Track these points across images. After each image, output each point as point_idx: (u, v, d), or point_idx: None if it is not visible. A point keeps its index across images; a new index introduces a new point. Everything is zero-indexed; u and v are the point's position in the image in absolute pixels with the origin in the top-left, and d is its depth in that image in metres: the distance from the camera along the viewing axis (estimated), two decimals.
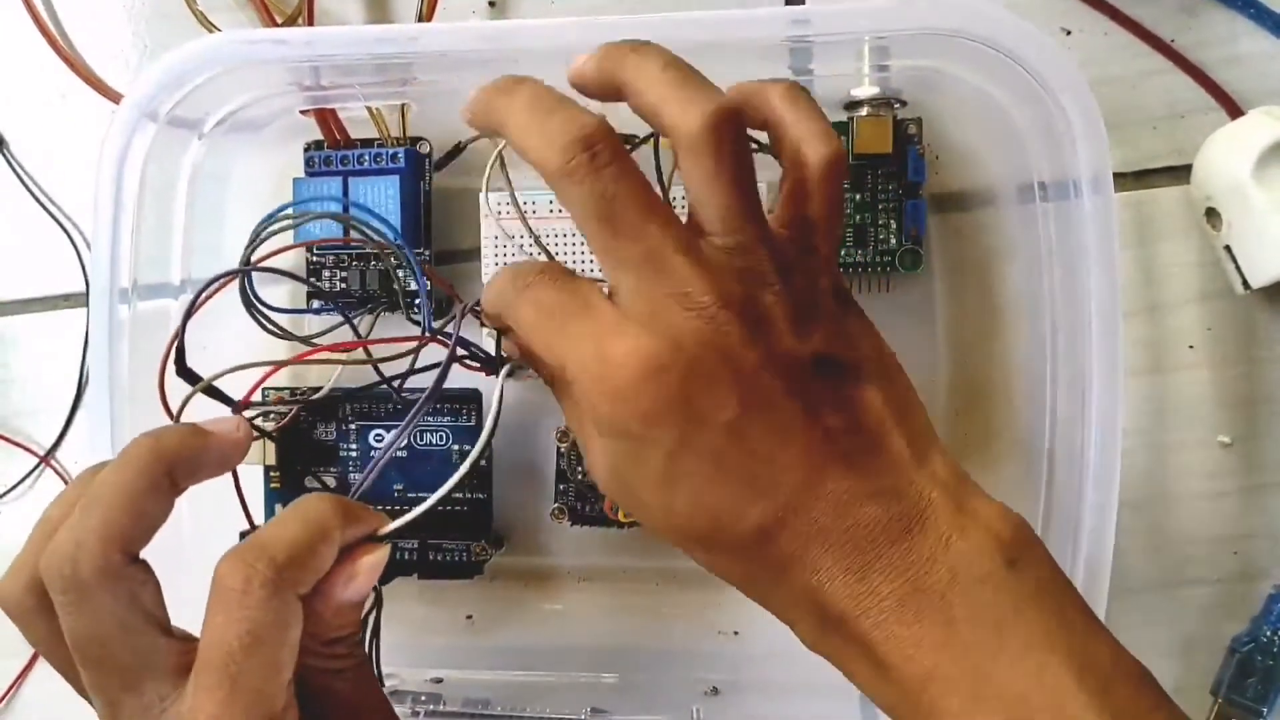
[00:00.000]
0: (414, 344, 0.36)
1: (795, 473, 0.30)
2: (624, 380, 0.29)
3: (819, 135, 0.33)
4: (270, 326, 0.39)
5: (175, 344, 0.35)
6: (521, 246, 0.43)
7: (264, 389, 0.43)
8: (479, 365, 0.38)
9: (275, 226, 0.37)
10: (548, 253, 0.40)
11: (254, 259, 0.37)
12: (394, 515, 0.42)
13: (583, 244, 0.43)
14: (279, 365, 0.39)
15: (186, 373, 0.35)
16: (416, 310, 0.42)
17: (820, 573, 0.30)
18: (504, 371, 0.36)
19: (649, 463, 0.30)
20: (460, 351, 0.35)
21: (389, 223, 0.40)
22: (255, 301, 0.38)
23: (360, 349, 0.42)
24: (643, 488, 0.31)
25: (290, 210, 0.38)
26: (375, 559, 0.32)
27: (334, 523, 0.31)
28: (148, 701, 0.29)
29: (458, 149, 0.44)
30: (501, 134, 0.32)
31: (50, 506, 0.32)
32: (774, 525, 0.30)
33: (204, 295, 0.36)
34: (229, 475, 0.41)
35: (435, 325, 0.36)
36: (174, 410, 0.35)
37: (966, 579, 0.29)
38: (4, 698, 0.49)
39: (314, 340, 0.41)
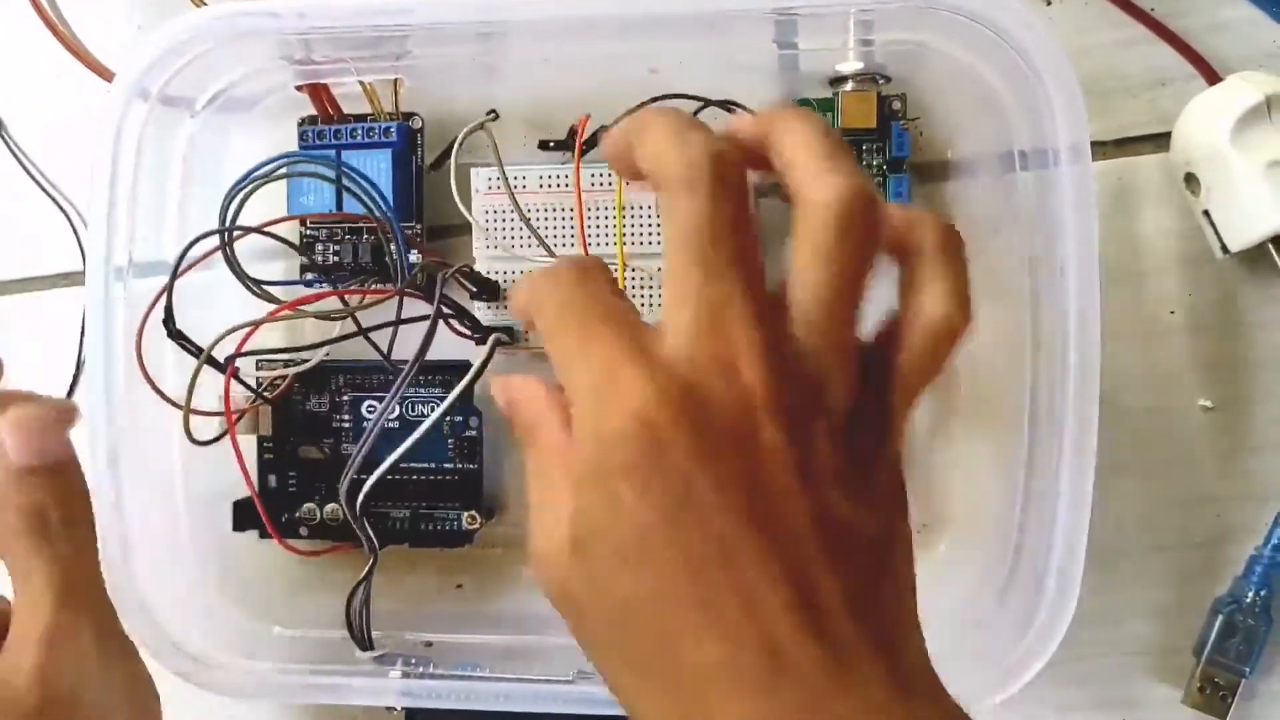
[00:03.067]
0: (392, 296, 0.38)
1: (781, 623, 0.24)
2: (620, 411, 0.24)
3: (962, 302, 0.28)
4: (256, 289, 0.39)
5: (165, 301, 0.36)
6: (512, 222, 0.44)
7: (258, 360, 0.44)
8: (468, 331, 0.39)
9: (254, 182, 0.37)
10: (539, 237, 0.41)
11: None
12: (389, 485, 0.43)
13: (570, 222, 0.44)
14: (261, 321, 0.40)
15: (177, 334, 0.36)
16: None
17: None
18: (491, 340, 0.37)
19: (615, 528, 0.25)
20: (446, 310, 0.36)
21: (376, 186, 0.41)
22: (237, 265, 0.39)
23: (345, 313, 0.43)
24: (598, 562, 0.25)
25: (271, 166, 0.39)
26: None
27: None
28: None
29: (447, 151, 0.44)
30: (637, 143, 0.28)
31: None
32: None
33: (189, 253, 0.38)
34: (226, 445, 0.42)
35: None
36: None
37: None
38: None
39: (304, 308, 0.42)
